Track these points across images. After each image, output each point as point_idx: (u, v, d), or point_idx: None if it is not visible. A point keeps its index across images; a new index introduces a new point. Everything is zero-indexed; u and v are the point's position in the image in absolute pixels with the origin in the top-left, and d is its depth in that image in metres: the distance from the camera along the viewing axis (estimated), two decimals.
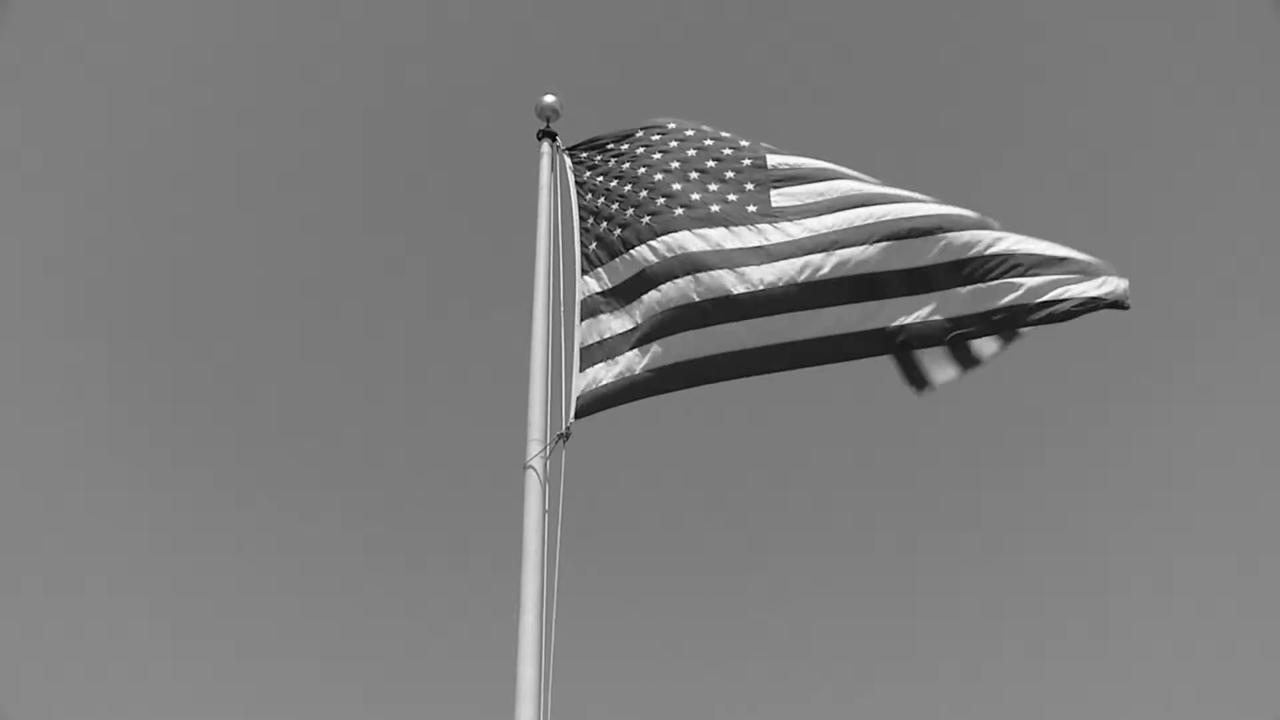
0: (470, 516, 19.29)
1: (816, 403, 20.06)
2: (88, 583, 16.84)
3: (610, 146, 8.19)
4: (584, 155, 8.26)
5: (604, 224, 7.73)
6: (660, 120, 8.21)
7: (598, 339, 7.28)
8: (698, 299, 7.12)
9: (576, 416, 6.95)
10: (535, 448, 6.79)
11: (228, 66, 20.71)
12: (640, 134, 8.12)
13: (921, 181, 7.49)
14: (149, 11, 19.30)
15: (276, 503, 19.43)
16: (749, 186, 7.55)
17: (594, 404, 7.02)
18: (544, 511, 6.59)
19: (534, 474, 6.70)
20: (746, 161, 7.71)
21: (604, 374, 7.13)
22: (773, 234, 7.24)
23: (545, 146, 8.24)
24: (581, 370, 7.14)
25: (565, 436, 6.87)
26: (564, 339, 7.45)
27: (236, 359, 20.28)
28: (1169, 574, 17.75)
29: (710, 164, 7.74)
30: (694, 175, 7.68)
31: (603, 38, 22.90)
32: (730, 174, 7.65)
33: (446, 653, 17.83)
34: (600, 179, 8.01)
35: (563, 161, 8.21)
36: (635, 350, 7.14)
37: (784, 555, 19.03)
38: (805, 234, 7.20)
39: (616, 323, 7.32)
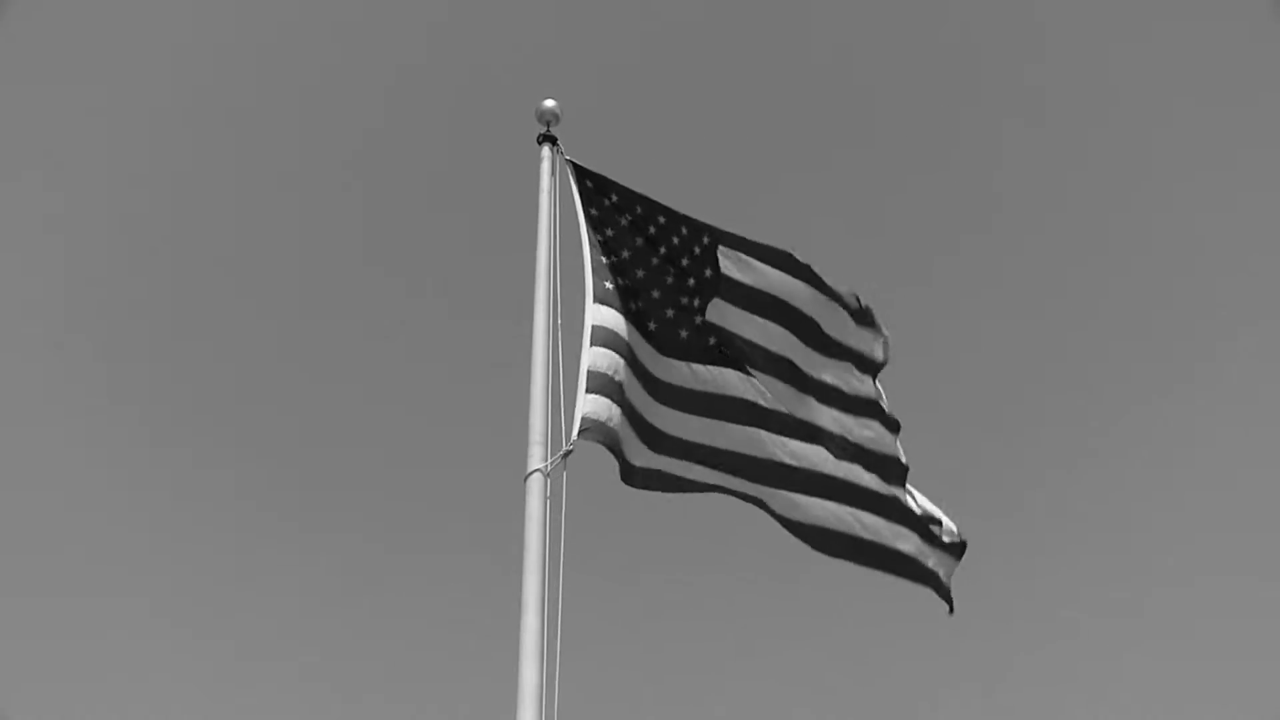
0: (473, 518, 19.30)
1: None
2: (88, 583, 16.88)
3: (615, 203, 8.13)
4: (595, 195, 8.13)
5: (619, 278, 7.82)
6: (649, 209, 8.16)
7: (610, 373, 7.17)
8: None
9: (580, 436, 6.78)
10: (537, 450, 6.72)
11: (228, 70, 20.73)
12: (640, 210, 8.08)
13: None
14: (148, 14, 19.31)
15: (278, 505, 19.47)
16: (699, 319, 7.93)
17: (594, 433, 6.89)
18: (545, 513, 6.52)
19: (536, 477, 6.62)
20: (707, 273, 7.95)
21: (609, 413, 7.05)
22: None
23: (546, 151, 8.16)
24: (588, 392, 6.97)
25: (567, 454, 6.71)
26: (564, 344, 7.42)
27: (238, 366, 20.31)
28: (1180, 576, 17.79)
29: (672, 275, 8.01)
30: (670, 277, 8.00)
31: (602, 44, 22.90)
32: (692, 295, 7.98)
33: (448, 654, 17.85)
34: (611, 226, 8.07)
35: (565, 167, 8.14)
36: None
37: (788, 558, 18.98)
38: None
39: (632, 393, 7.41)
